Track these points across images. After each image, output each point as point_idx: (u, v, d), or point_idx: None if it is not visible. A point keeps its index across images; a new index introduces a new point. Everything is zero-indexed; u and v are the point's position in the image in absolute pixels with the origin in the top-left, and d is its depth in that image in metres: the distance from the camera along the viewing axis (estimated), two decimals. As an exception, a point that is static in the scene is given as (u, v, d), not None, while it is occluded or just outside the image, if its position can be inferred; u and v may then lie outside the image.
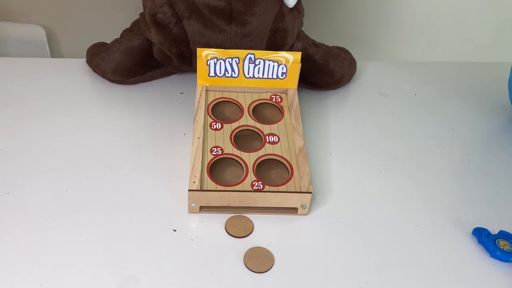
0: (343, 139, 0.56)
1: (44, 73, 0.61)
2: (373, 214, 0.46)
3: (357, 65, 0.70)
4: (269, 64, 0.50)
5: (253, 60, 0.50)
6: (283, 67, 0.51)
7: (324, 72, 0.61)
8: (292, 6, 0.53)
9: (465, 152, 0.55)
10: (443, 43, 0.95)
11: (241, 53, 0.49)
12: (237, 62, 0.50)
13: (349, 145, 0.55)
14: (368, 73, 0.70)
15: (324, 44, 0.65)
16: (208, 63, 0.50)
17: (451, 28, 0.92)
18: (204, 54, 0.49)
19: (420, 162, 0.53)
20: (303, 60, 0.59)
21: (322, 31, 0.93)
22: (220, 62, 0.50)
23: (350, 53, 0.68)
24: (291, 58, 0.50)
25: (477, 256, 0.43)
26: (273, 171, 0.48)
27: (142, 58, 0.59)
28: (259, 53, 0.49)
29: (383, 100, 0.64)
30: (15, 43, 0.86)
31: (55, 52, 0.92)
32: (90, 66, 0.61)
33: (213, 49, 0.49)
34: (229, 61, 0.50)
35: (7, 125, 0.51)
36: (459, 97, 0.65)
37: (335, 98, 0.63)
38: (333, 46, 0.68)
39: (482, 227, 0.45)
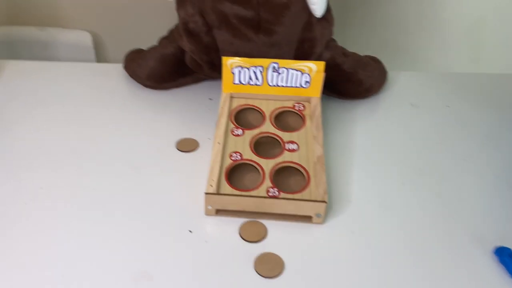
0: (367, 149, 0.55)
1: (84, 77, 0.64)
2: (391, 227, 0.45)
3: (390, 75, 0.69)
4: (292, 73, 0.51)
5: (276, 69, 0.51)
6: (306, 76, 0.51)
7: (353, 81, 0.61)
8: (320, 16, 0.53)
9: (494, 167, 0.53)
10: (487, 54, 0.91)
11: (264, 62, 0.50)
12: (261, 70, 0.51)
13: (373, 156, 0.54)
14: (400, 83, 0.68)
15: (354, 53, 0.65)
16: (233, 71, 0.51)
17: (496, 39, 0.89)
18: (229, 62, 0.50)
19: (446, 176, 0.52)
20: (331, 69, 0.60)
21: (360, 38, 0.93)
22: (245, 71, 0.51)
23: (381, 62, 0.67)
24: (315, 68, 0.50)
25: (497, 277, 0.41)
26: (292, 179, 0.48)
27: (175, 65, 0.61)
28: (282, 62, 0.50)
29: (413, 112, 0.63)
30: (63, 48, 0.92)
31: (100, 56, 0.97)
32: (126, 72, 0.64)
33: (237, 58, 0.50)
34: (253, 70, 0.51)
35: (44, 126, 0.55)
36: (494, 111, 0.62)
37: (363, 108, 0.63)
38: (364, 56, 0.67)
39: (505, 246, 0.43)
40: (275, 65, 0.50)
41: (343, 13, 0.89)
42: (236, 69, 0.51)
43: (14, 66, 0.66)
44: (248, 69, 0.51)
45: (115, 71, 0.66)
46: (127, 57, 0.65)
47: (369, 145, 0.56)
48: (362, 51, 0.93)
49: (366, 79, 0.62)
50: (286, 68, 0.50)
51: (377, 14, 0.90)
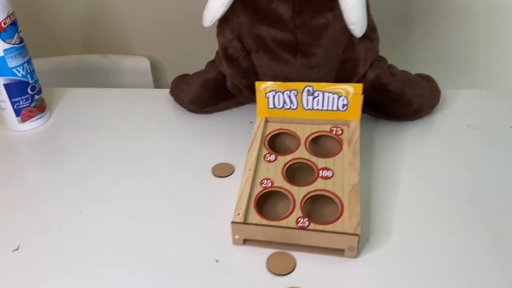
0: (414, 176, 0.51)
1: (134, 102, 0.67)
2: (432, 264, 0.41)
3: (446, 93, 0.64)
4: (328, 96, 0.49)
5: (311, 92, 0.49)
6: (343, 99, 0.49)
7: (400, 102, 0.58)
8: (359, 36, 0.51)
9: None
10: None
11: (299, 85, 0.49)
12: (295, 94, 0.50)
13: (420, 183, 0.50)
14: (457, 102, 0.63)
15: (404, 72, 0.62)
16: (267, 96, 0.50)
17: None
18: (262, 87, 0.50)
19: (501, 208, 0.46)
20: (376, 89, 0.57)
21: (426, 53, 0.89)
22: (279, 95, 0.50)
23: (433, 81, 0.63)
24: (352, 90, 0.48)
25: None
26: (327, 208, 0.46)
27: (216, 89, 0.62)
28: (317, 85, 0.49)
29: (470, 134, 0.57)
30: (124, 73, 0.98)
31: (158, 81, 1.02)
32: (172, 96, 0.66)
33: (271, 82, 0.49)
34: (287, 94, 0.50)
35: (90, 151, 0.58)
36: None
37: (413, 130, 0.59)
38: (415, 74, 0.63)
39: None
40: (310, 89, 0.49)
41: (405, 28, 0.86)
42: (270, 93, 0.50)
43: (70, 94, 0.70)
44: (282, 93, 0.50)
45: (163, 96, 0.68)
46: (173, 83, 0.67)
47: (417, 171, 0.52)
48: (429, 67, 0.89)
49: (415, 100, 0.58)
50: (322, 91, 0.49)
51: (445, 27, 0.86)
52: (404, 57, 0.92)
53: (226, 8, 0.50)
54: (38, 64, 0.97)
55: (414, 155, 0.54)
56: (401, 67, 0.66)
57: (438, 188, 0.49)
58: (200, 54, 0.72)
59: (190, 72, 0.65)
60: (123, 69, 0.98)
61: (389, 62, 0.64)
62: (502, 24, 0.84)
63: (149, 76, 0.98)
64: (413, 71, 0.67)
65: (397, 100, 0.58)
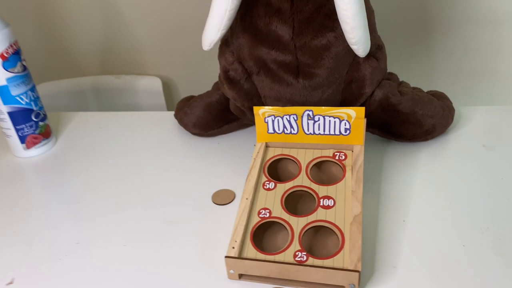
0: (425, 202, 0.48)
1: (139, 125, 0.67)
2: (442, 302, 0.38)
3: (461, 111, 0.61)
4: (329, 120, 0.47)
5: (312, 116, 0.47)
6: (345, 123, 0.47)
7: (410, 122, 0.55)
8: (363, 56, 0.49)
9: None
10: None
11: (298, 110, 0.47)
12: (295, 119, 0.48)
13: (431, 210, 0.47)
14: (474, 120, 0.60)
15: (415, 90, 0.59)
16: (266, 120, 0.49)
17: None
18: (261, 112, 0.48)
19: (521, 238, 0.43)
20: (384, 110, 0.54)
21: (446, 67, 0.86)
22: (278, 119, 0.48)
23: (447, 99, 0.60)
24: (353, 114, 0.46)
25: None
26: (330, 239, 0.44)
27: (219, 112, 0.61)
28: (317, 109, 0.46)
29: (487, 155, 0.54)
30: (136, 93, 0.98)
31: (171, 100, 1.02)
32: (176, 120, 0.65)
33: (269, 107, 0.48)
34: (287, 118, 0.48)
35: (94, 177, 0.57)
36: None
37: (425, 152, 0.56)
38: (427, 92, 0.61)
39: None
40: (310, 113, 0.47)
41: (423, 41, 0.83)
42: (269, 118, 0.48)
43: (77, 118, 0.70)
44: (281, 117, 0.48)
45: (168, 118, 0.67)
46: (177, 106, 0.66)
47: (428, 197, 0.49)
48: (449, 81, 0.86)
49: (426, 120, 0.55)
50: (322, 116, 0.47)
51: (465, 38, 0.83)
52: (423, 72, 0.89)
53: (223, 32, 0.49)
54: (57, 85, 0.99)
55: (426, 179, 0.51)
56: (419, 82, 0.63)
57: (450, 216, 0.46)
58: (211, 74, 0.71)
59: (202, 91, 0.64)
60: (136, 89, 0.98)
61: (407, 77, 0.62)
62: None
63: (161, 96, 0.98)
64: (432, 86, 0.64)
65: (407, 121, 0.55)
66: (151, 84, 0.98)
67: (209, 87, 0.64)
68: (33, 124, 0.60)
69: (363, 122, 0.46)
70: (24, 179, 0.58)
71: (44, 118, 0.62)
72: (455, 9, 0.82)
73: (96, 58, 1.00)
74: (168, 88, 1.01)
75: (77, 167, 0.59)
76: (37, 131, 0.61)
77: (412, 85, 0.61)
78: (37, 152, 0.62)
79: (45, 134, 0.62)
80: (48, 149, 0.63)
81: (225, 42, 0.56)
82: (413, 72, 0.88)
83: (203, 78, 0.75)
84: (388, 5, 0.82)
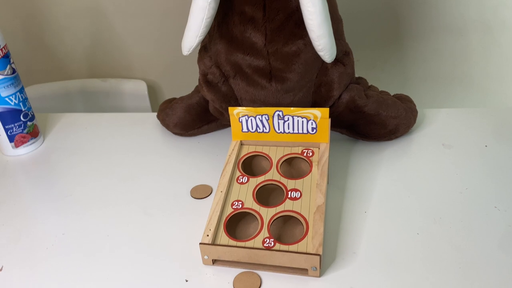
0: (385, 196, 0.53)
1: (123, 126, 0.70)
2: (396, 284, 0.42)
3: (424, 113, 0.66)
4: (297, 120, 0.51)
5: (281, 116, 0.51)
6: (312, 122, 0.51)
7: (375, 123, 0.59)
8: (330, 62, 0.53)
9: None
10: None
11: (269, 110, 0.51)
12: (267, 118, 0.52)
13: (390, 203, 0.52)
14: (436, 122, 0.65)
15: (381, 93, 0.64)
16: (240, 120, 0.53)
17: None
18: (235, 112, 0.52)
19: (470, 226, 0.47)
20: (351, 111, 0.59)
21: (417, 72, 0.90)
22: (251, 119, 0.52)
23: (411, 101, 0.64)
24: (319, 114, 0.50)
25: None
26: (297, 228, 0.48)
27: (199, 113, 0.65)
28: (286, 110, 0.51)
29: (445, 153, 0.59)
30: (122, 96, 1.01)
31: (156, 102, 1.05)
32: (158, 120, 0.69)
33: (243, 108, 0.52)
34: (259, 118, 0.52)
35: (79, 175, 0.60)
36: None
37: (389, 151, 0.60)
38: (393, 95, 0.65)
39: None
40: (280, 113, 0.51)
41: (395, 48, 0.88)
42: (243, 118, 0.52)
43: (64, 119, 0.73)
44: (254, 117, 0.52)
45: (151, 119, 0.71)
46: (160, 107, 0.69)
47: (389, 191, 0.53)
48: (419, 86, 0.90)
49: (390, 121, 0.59)
50: (291, 116, 0.51)
51: (436, 45, 0.87)
52: (395, 76, 0.94)
53: (201, 38, 0.53)
54: (45, 88, 1.02)
55: (389, 175, 0.56)
56: (391, 86, 0.68)
57: (408, 208, 0.50)
58: (194, 77, 0.75)
59: (185, 94, 0.68)
60: (122, 92, 1.02)
61: (379, 82, 0.66)
62: (494, 41, 0.85)
63: (146, 98, 1.01)
64: (403, 90, 0.69)
65: (372, 122, 0.59)
66: (137, 87, 1.02)
67: (192, 90, 0.68)
68: (22, 124, 0.63)
69: (327, 121, 0.50)
70: (13, 176, 0.61)
71: (32, 118, 0.65)
72: (426, 17, 0.87)
73: (83, 61, 1.03)
74: (153, 91, 1.05)
75: (63, 165, 0.62)
76: (25, 131, 0.64)
77: (384, 89, 0.65)
78: (25, 150, 0.65)
79: (33, 133, 0.65)
80: (35, 148, 0.66)
81: (204, 47, 0.60)
82: (385, 76, 0.93)
83: (186, 81, 0.79)
84: (363, 14, 0.87)
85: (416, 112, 0.63)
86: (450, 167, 0.56)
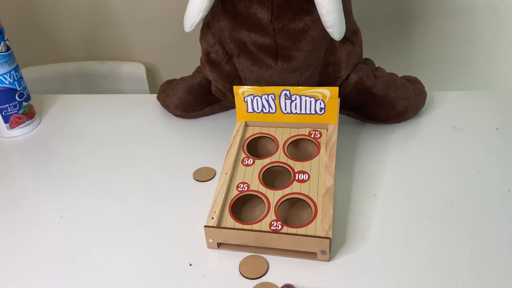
0: (395, 179, 0.51)
1: (122, 108, 0.68)
2: (407, 267, 0.41)
3: (433, 95, 0.64)
4: (305, 100, 0.49)
5: (289, 96, 0.49)
6: (320, 102, 0.49)
7: (383, 104, 0.58)
8: (338, 39, 0.51)
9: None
10: None
11: (276, 89, 0.49)
12: (273, 98, 0.50)
13: (401, 186, 0.50)
14: (445, 104, 0.63)
15: (389, 74, 0.61)
16: (245, 100, 0.51)
17: None
18: (240, 91, 0.50)
19: (482, 210, 0.46)
20: (359, 92, 0.57)
21: (423, 55, 0.88)
22: (257, 99, 0.50)
23: (420, 83, 0.62)
24: (328, 93, 0.48)
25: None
26: (305, 211, 0.46)
27: (201, 94, 0.62)
28: (294, 89, 0.49)
29: (455, 136, 0.57)
30: (120, 79, 0.99)
31: (154, 85, 1.03)
32: (159, 102, 0.66)
33: (248, 87, 0.50)
34: (265, 98, 0.50)
35: (76, 156, 0.58)
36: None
37: (398, 133, 0.58)
38: (402, 76, 0.63)
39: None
40: (287, 92, 0.49)
41: (401, 29, 0.86)
42: (248, 97, 0.50)
43: (60, 100, 0.71)
44: (260, 97, 0.50)
45: (151, 101, 0.69)
46: (160, 88, 0.67)
47: (398, 174, 0.51)
48: (426, 68, 0.88)
49: (399, 102, 0.57)
50: (299, 95, 0.49)
51: (442, 28, 0.86)
52: (400, 59, 0.92)
53: (204, 13, 0.50)
54: (40, 71, 1.00)
55: (398, 157, 0.54)
56: (396, 69, 0.66)
57: (418, 191, 0.49)
58: (193, 60, 0.72)
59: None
60: (120, 75, 0.99)
61: (384, 64, 0.64)
62: (501, 24, 0.83)
63: (144, 81, 0.99)
64: (409, 72, 0.67)
65: (380, 103, 0.57)
66: (135, 70, 0.99)
67: (191, 73, 0.66)
68: (17, 104, 0.61)
69: (337, 101, 0.48)
70: (8, 158, 0.59)
71: (28, 98, 0.63)
72: (433, 0, 0.84)
73: (81, 44, 1.00)
74: (151, 74, 1.02)
75: (60, 147, 0.60)
76: (20, 111, 0.62)
77: (388, 71, 0.63)
78: (20, 132, 0.63)
79: (29, 114, 0.63)
80: (31, 129, 0.64)
81: (207, 24, 0.57)
82: (391, 58, 0.91)
83: (186, 64, 0.77)
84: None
85: (425, 94, 0.61)
86: (461, 150, 0.54)
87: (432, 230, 0.44)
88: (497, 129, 0.57)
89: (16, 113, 0.61)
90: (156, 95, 0.68)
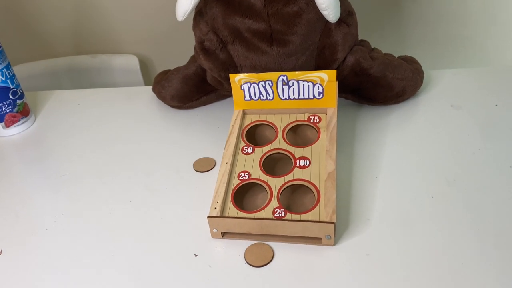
0: (396, 160, 0.51)
1: (118, 101, 0.67)
2: (412, 248, 0.41)
3: (430, 74, 0.63)
4: (303, 85, 0.49)
5: (286, 81, 0.49)
6: (318, 86, 0.48)
7: (381, 86, 0.57)
8: (334, 21, 0.50)
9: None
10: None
11: (273, 75, 0.49)
12: (270, 84, 0.49)
13: (402, 167, 0.50)
14: (442, 83, 0.63)
15: (385, 55, 0.61)
16: (242, 88, 0.50)
17: None
18: (236, 79, 0.49)
19: (484, 187, 0.46)
20: (357, 74, 0.56)
21: (419, 33, 0.88)
22: (254, 86, 0.50)
23: (417, 63, 0.62)
24: (326, 77, 0.47)
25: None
26: (307, 197, 0.46)
27: (197, 84, 0.62)
28: (291, 74, 0.48)
29: (454, 114, 0.57)
30: (113, 72, 0.98)
31: (148, 77, 1.02)
32: (154, 93, 0.66)
33: (245, 74, 0.49)
34: (262, 84, 0.49)
35: (75, 151, 0.58)
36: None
37: (397, 114, 0.58)
38: (398, 57, 0.63)
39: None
40: (284, 78, 0.48)
41: (396, 8, 0.85)
42: (245, 85, 0.50)
43: (54, 96, 0.70)
44: (257, 84, 0.49)
45: (147, 93, 0.68)
46: (155, 79, 0.66)
47: (399, 155, 0.51)
48: (422, 47, 0.88)
49: (396, 83, 0.57)
50: (296, 80, 0.48)
51: (438, 6, 0.85)
52: (394, 38, 0.91)
53: (196, 1, 0.49)
54: (30, 68, 0.98)
55: (397, 138, 0.54)
56: (391, 48, 0.65)
57: (420, 171, 0.49)
58: (187, 50, 0.72)
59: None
60: (113, 68, 0.98)
61: (379, 44, 0.63)
62: (496, 1, 0.83)
63: (138, 74, 0.98)
64: (404, 51, 0.66)
65: (378, 84, 0.57)
66: (128, 62, 0.98)
67: (186, 63, 0.65)
68: (11, 102, 0.60)
69: (335, 85, 0.48)
70: (5, 158, 0.58)
71: (22, 96, 0.62)
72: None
73: (70, 38, 0.99)
74: (145, 65, 1.01)
75: (57, 143, 0.60)
76: (15, 109, 0.61)
77: (384, 51, 0.63)
78: (16, 130, 0.62)
79: (24, 112, 0.62)
80: (27, 127, 0.63)
81: (199, 12, 0.56)
82: (385, 39, 0.90)
83: (180, 54, 0.76)
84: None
85: (423, 73, 0.61)
86: (460, 128, 0.54)
87: (435, 210, 0.44)
88: (496, 105, 0.57)
89: (10, 111, 0.60)
90: (151, 86, 0.67)
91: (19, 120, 0.62)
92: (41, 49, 1.00)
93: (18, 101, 0.61)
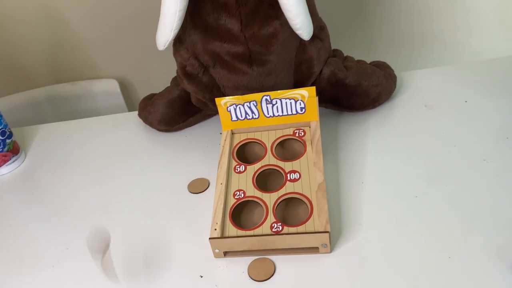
0: (379, 164, 0.54)
1: (105, 129, 0.69)
2: (403, 247, 0.44)
3: (402, 76, 0.67)
4: (286, 102, 0.51)
5: (269, 100, 0.51)
6: (300, 102, 0.51)
7: (358, 94, 0.60)
8: (308, 39, 0.53)
9: (517, 166, 0.50)
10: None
11: (257, 96, 0.51)
12: (255, 104, 0.52)
13: (385, 170, 0.53)
14: (415, 84, 0.66)
15: (359, 63, 0.64)
16: (229, 109, 0.52)
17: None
18: (222, 102, 0.52)
19: (463, 182, 0.49)
20: (333, 85, 0.59)
21: (385, 36, 0.91)
22: (239, 107, 0.52)
23: (388, 67, 0.65)
24: (306, 94, 0.50)
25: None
26: (300, 208, 0.48)
27: (182, 106, 0.64)
28: (274, 93, 0.51)
29: (428, 114, 0.60)
30: (94, 98, 0.98)
31: (129, 100, 1.03)
32: (141, 118, 0.67)
33: (230, 97, 0.51)
34: (247, 105, 0.52)
35: (71, 185, 0.59)
36: (516, 100, 0.58)
37: (375, 118, 0.61)
38: (370, 63, 0.66)
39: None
40: (268, 98, 0.51)
41: (361, 14, 0.88)
42: (231, 107, 0.52)
43: (42, 130, 0.71)
44: (242, 105, 0.52)
45: (133, 118, 0.70)
46: (140, 105, 0.68)
47: (380, 158, 0.54)
48: (389, 49, 0.91)
49: (372, 89, 0.60)
50: (279, 99, 0.51)
51: (400, 7, 0.88)
52: (363, 42, 0.94)
53: (176, 32, 0.52)
54: (9, 101, 0.98)
55: (377, 142, 0.57)
56: (361, 52, 0.68)
57: (402, 172, 0.52)
58: (167, 70, 0.73)
59: (160, 89, 0.67)
60: (94, 94, 0.99)
61: (349, 50, 0.67)
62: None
63: (119, 97, 0.99)
64: (374, 54, 0.69)
65: (355, 93, 0.60)
66: (108, 87, 0.99)
67: (166, 84, 0.67)
68: (0, 142, 0.61)
69: (315, 100, 0.51)
70: (1, 199, 0.59)
71: (10, 135, 0.63)
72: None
73: (48, 67, 0.99)
74: (125, 88, 1.02)
75: (51, 178, 0.61)
76: (5, 149, 0.62)
77: (355, 56, 0.66)
78: (8, 169, 0.63)
79: (14, 150, 0.63)
80: (18, 165, 0.64)
81: (178, 39, 0.59)
82: (356, 44, 0.93)
83: (159, 75, 0.77)
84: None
85: (395, 77, 0.64)
86: (436, 127, 0.57)
87: (420, 208, 0.47)
88: (465, 101, 0.61)
89: (1, 151, 0.61)
90: (136, 112, 0.68)
91: (10, 159, 0.63)
92: (19, 80, 1.00)
93: (8, 140, 0.62)
